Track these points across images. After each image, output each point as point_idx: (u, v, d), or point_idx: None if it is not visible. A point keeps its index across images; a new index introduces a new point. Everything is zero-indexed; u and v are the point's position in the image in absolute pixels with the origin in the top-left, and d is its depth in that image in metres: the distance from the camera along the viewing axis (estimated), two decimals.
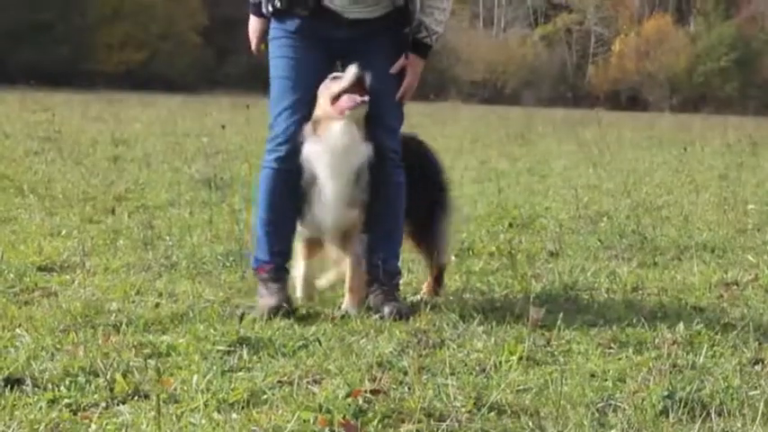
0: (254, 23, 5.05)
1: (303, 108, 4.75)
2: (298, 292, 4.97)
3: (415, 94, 5.07)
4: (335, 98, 4.67)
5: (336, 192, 4.72)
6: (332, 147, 4.67)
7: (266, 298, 4.72)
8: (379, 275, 4.84)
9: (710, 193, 10.53)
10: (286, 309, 4.64)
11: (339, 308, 4.83)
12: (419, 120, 24.38)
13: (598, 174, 12.77)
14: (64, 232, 6.71)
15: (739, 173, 13.11)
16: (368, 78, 4.65)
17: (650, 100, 64.81)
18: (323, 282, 5.19)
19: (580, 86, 70.95)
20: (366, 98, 4.64)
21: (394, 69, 4.87)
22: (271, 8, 4.86)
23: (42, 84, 39.74)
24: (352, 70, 4.64)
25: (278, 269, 4.85)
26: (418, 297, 5.19)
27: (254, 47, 5.11)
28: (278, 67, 4.90)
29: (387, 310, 4.69)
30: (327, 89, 4.73)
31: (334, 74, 4.76)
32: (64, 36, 55.06)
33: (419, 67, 4.93)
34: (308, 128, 4.72)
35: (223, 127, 12.86)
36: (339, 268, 5.09)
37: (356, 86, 4.65)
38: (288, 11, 4.80)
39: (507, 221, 7.90)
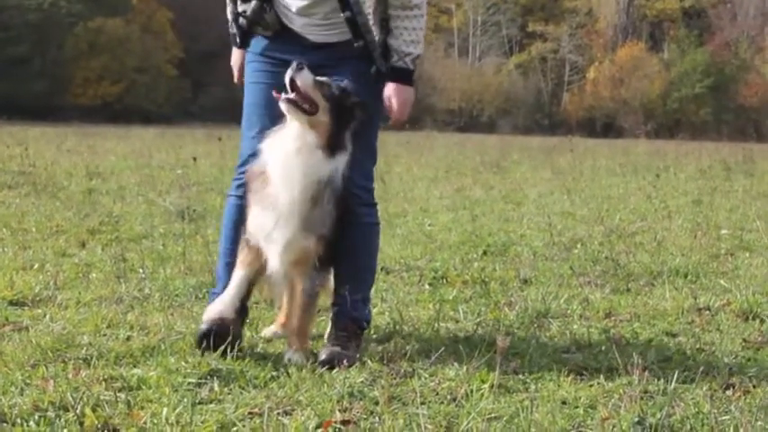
0: (235, 55, 4.98)
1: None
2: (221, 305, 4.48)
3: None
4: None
5: (290, 204, 4.32)
6: (283, 150, 4.34)
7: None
8: (343, 321, 4.58)
9: (684, 219, 10.58)
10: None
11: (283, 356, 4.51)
12: (394, 149, 24.47)
13: (572, 201, 12.81)
14: (36, 266, 6.67)
15: (713, 198, 13.20)
16: (300, 78, 4.30)
17: (625, 127, 65.20)
18: (267, 332, 4.94)
19: (555, 114, 71.40)
20: (282, 96, 4.30)
21: (387, 102, 4.61)
22: (237, 33, 4.78)
23: (18, 118, 39.76)
24: (288, 72, 4.36)
25: None
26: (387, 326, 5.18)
27: (236, 78, 5.03)
28: (248, 92, 4.73)
29: (322, 356, 4.38)
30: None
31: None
32: (40, 70, 55.14)
33: (404, 95, 4.62)
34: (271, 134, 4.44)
35: (194, 159, 12.84)
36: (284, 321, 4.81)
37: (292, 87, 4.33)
38: (250, 31, 4.70)
39: (481, 249, 7.92)
